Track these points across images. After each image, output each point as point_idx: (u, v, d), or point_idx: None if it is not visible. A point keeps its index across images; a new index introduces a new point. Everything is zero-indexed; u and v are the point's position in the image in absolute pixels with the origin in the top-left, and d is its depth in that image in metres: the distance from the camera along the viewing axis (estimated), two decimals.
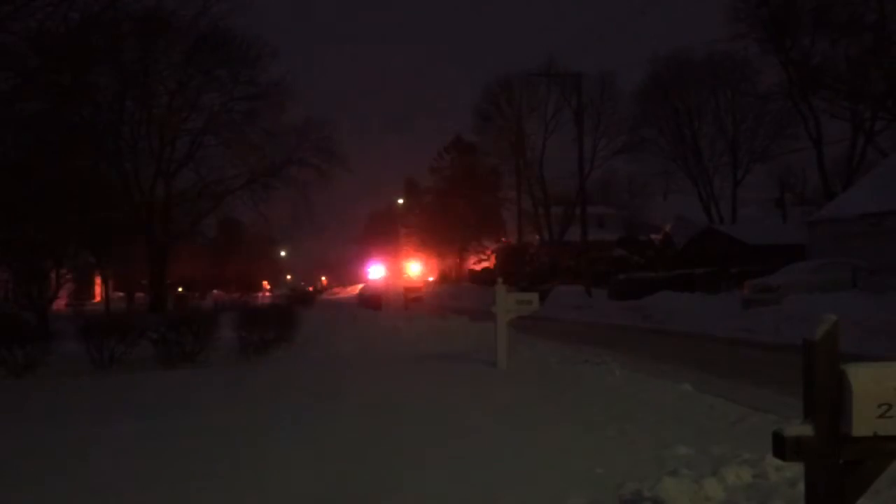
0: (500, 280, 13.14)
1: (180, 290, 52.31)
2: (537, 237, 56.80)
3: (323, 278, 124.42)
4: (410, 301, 39.97)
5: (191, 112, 34.60)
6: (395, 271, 77.39)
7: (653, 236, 54.55)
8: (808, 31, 37.83)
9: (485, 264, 65.43)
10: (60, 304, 35.49)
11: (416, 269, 74.98)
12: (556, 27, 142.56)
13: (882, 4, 34.39)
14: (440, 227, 68.88)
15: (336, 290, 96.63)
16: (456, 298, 48.89)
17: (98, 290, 46.60)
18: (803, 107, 39.54)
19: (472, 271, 67.11)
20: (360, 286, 64.35)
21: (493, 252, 64.86)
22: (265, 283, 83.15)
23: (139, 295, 43.73)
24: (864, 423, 2.54)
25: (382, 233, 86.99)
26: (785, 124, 43.33)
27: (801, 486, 2.73)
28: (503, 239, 64.67)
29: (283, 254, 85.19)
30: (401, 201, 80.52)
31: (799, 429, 2.62)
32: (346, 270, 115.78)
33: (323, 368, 13.04)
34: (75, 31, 19.10)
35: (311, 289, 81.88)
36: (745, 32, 38.91)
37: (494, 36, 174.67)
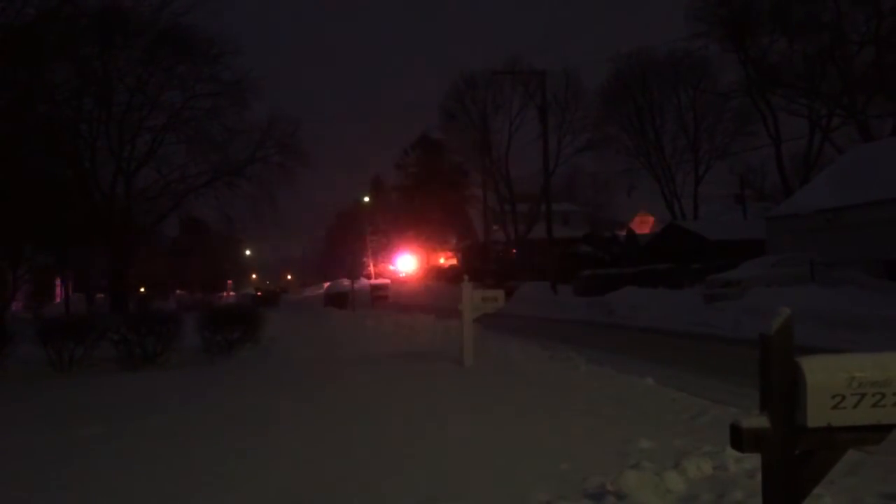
0: (466, 278, 13.13)
1: (142, 290, 51.52)
2: (503, 234, 57.03)
3: (289, 277, 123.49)
4: (377, 300, 39.88)
5: (151, 109, 34.04)
6: (362, 269, 77.16)
7: (617, 232, 55.17)
8: (766, 30, 38.59)
9: (452, 262, 65.55)
10: (18, 306, 34.74)
11: (407, 263, 75.15)
12: (521, 25, 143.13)
13: (838, 4, 35.19)
14: (406, 225, 68.81)
15: (300, 288, 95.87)
16: (422, 296, 48.86)
17: (58, 291, 45.70)
18: (762, 104, 40.32)
19: (439, 269, 67.23)
20: (326, 285, 64.03)
21: (459, 249, 65.02)
22: (230, 282, 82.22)
23: (100, 296, 42.98)
24: (818, 414, 2.58)
25: (349, 231, 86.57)
26: (744, 122, 44.17)
27: (760, 477, 2.77)
28: (469, 236, 64.84)
29: (247, 253, 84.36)
30: (367, 199, 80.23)
31: (756, 421, 2.65)
32: (312, 269, 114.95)
33: (286, 369, 12.93)
34: (31, 26, 18.67)
35: (277, 289, 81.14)
36: (705, 31, 39.66)
37: (461, 33, 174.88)
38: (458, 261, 62.95)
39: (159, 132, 34.53)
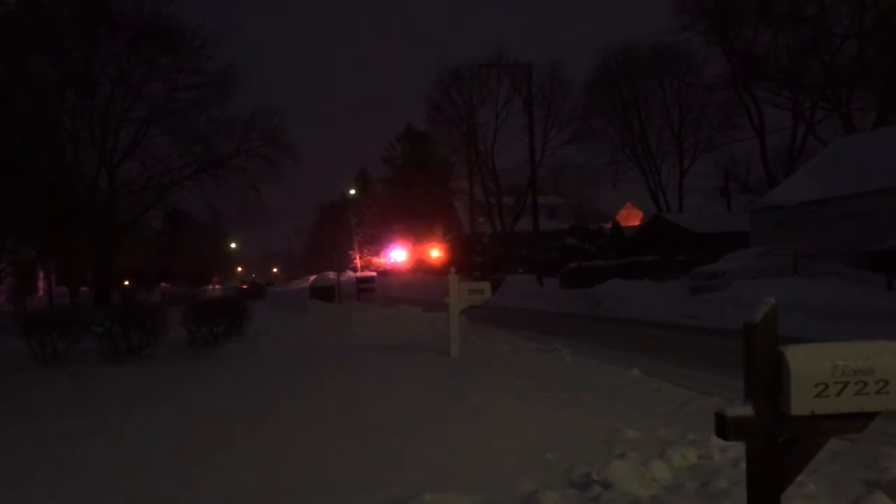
0: (452, 270, 13.12)
1: (126, 283, 51.19)
2: (490, 227, 57.08)
3: (275, 270, 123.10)
4: (363, 292, 39.79)
5: (134, 101, 33.77)
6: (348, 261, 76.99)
7: (603, 225, 55.36)
8: (751, 23, 38.76)
9: (438, 255, 65.54)
10: (1, 299, 34.43)
11: (394, 256, 75.32)
12: (508, 17, 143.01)
13: None
14: (393, 218, 68.66)
15: (286, 282, 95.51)
16: (409, 289, 48.84)
17: (41, 284, 45.32)
18: (746, 97, 40.52)
19: (426, 261, 67.21)
20: (312, 278, 63.84)
21: (446, 242, 65.00)
22: (216, 275, 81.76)
23: (84, 289, 42.67)
24: (801, 402, 2.60)
25: (336, 224, 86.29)
26: (729, 114, 44.38)
27: (744, 466, 2.79)
28: (455, 229, 64.84)
29: (233, 246, 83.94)
30: (353, 192, 79.98)
31: (740, 409, 2.67)
32: (298, 262, 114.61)
33: (272, 362, 12.87)
34: (11, 17, 18.44)
35: (263, 283, 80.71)
36: (690, 24, 39.78)
37: (448, 24, 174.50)
38: (444, 253, 62.90)
39: (143, 124, 34.29)
